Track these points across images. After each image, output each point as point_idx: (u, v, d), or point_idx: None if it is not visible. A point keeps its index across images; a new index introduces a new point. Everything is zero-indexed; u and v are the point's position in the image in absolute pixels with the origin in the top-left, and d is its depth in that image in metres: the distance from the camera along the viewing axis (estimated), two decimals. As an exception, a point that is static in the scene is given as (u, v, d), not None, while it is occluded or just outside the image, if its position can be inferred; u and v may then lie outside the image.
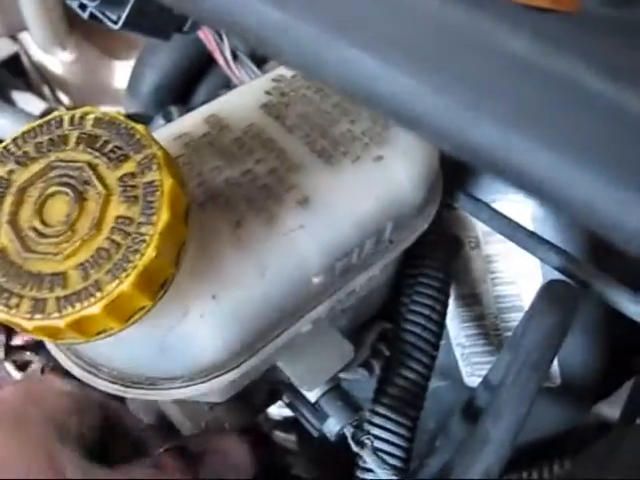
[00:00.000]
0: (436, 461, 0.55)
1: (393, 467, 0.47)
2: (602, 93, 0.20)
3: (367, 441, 0.47)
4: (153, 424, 0.51)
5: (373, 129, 0.42)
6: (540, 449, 0.63)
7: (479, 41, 0.21)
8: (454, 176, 0.49)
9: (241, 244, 0.37)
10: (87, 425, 0.43)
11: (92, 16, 0.56)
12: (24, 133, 0.34)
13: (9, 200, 0.32)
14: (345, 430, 0.46)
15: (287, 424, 0.81)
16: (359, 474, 0.48)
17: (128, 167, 0.32)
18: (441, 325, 0.51)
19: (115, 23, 0.56)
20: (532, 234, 0.46)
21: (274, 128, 0.42)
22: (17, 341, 0.58)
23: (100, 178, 0.32)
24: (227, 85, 0.70)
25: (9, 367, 0.58)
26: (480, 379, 0.51)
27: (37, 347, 0.58)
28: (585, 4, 0.26)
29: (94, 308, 0.30)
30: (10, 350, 0.58)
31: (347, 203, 0.40)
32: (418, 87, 0.19)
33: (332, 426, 0.46)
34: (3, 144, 0.34)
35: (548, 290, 0.43)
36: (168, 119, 0.67)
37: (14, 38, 0.95)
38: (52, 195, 0.32)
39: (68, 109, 0.94)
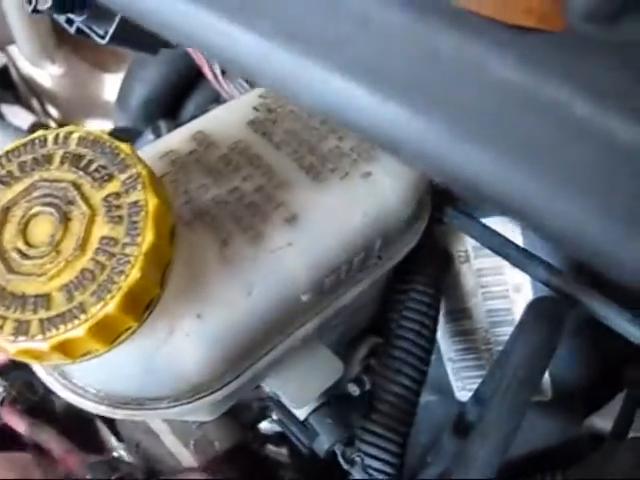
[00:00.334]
0: (427, 476, 0.54)
1: (383, 484, 0.47)
2: (590, 119, 0.20)
3: (357, 458, 0.46)
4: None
5: (361, 145, 0.42)
6: (532, 463, 0.63)
7: (463, 65, 0.20)
8: (443, 191, 0.48)
9: (228, 263, 0.37)
10: None
11: (79, 31, 0.56)
12: (8, 152, 0.34)
13: (-8, 221, 0.32)
14: (335, 447, 0.46)
15: (278, 438, 0.81)
16: (350, 491, 0.48)
17: (113, 187, 0.32)
18: (431, 340, 0.51)
19: (102, 38, 0.55)
20: (522, 250, 0.46)
21: (261, 145, 0.42)
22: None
23: (84, 198, 0.32)
24: (217, 99, 0.70)
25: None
26: (471, 393, 0.51)
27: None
28: (570, 21, 0.26)
29: (78, 330, 0.30)
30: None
31: (335, 220, 0.40)
32: (398, 111, 0.19)
33: (322, 444, 0.45)
34: (-14, 164, 0.33)
35: (535, 307, 0.42)
36: (157, 134, 0.67)
37: (3, 50, 0.95)
38: (36, 215, 0.32)
39: (57, 123, 0.94)
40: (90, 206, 0.32)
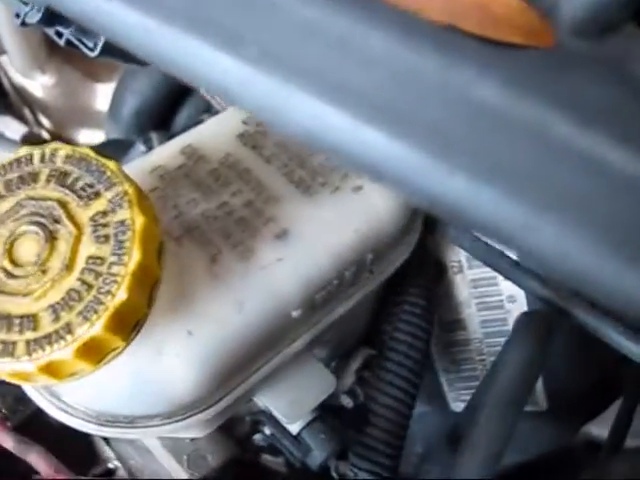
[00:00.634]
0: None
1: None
2: (577, 142, 0.19)
3: (350, 473, 0.46)
4: None
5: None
6: (528, 473, 0.62)
7: (446, 87, 0.20)
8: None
9: (217, 279, 0.36)
10: None
11: (69, 43, 0.55)
12: (-7, 170, 0.33)
13: (-22, 241, 0.31)
14: (328, 462, 0.45)
15: (275, 447, 0.80)
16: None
17: (99, 205, 0.32)
18: (424, 352, 0.51)
19: (92, 50, 0.55)
20: (514, 262, 0.46)
21: (251, 158, 0.41)
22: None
23: (71, 217, 0.31)
24: (208, 109, 0.70)
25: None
26: (465, 404, 0.51)
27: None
28: (559, 37, 0.26)
29: (66, 352, 0.29)
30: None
31: (326, 235, 0.39)
32: (377, 136, 0.19)
33: (315, 458, 0.45)
34: (-28, 183, 0.33)
35: (524, 321, 0.42)
36: (148, 145, 0.66)
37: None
38: (22, 234, 0.32)
39: (49, 133, 0.94)
40: (76, 225, 0.31)
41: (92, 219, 0.31)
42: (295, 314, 0.38)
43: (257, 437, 0.61)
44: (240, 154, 0.41)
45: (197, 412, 0.38)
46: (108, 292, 0.30)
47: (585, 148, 0.19)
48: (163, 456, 0.50)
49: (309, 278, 0.38)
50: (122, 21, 0.25)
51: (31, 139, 0.84)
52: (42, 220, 0.32)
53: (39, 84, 0.89)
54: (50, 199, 0.32)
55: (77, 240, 0.31)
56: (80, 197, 0.32)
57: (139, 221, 0.31)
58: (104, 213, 0.31)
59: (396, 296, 0.51)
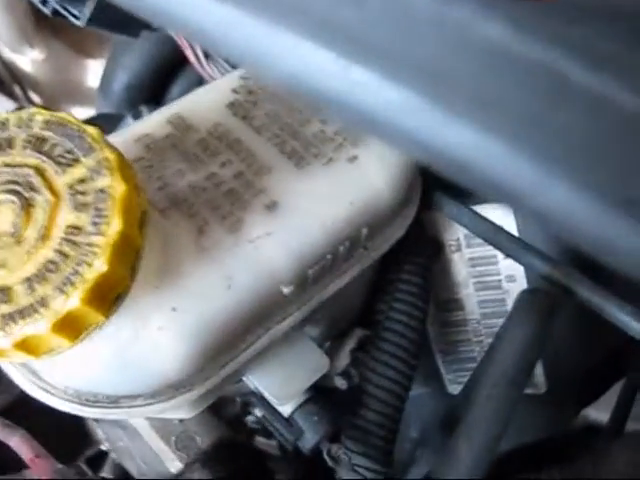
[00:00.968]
0: (416, 472, 0.53)
1: (370, 481, 0.45)
2: (586, 85, 0.17)
3: (343, 456, 0.45)
4: None
5: (347, 128, 0.40)
6: (527, 456, 0.61)
7: (450, 31, 0.18)
8: (433, 176, 0.46)
9: (204, 252, 0.35)
10: None
11: (55, 12, 0.54)
12: (-33, 137, 0.32)
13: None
14: (320, 445, 0.44)
15: (267, 430, 0.79)
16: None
17: (78, 172, 0.30)
18: (420, 332, 0.49)
19: (79, 19, 0.53)
20: (516, 239, 0.44)
21: (241, 129, 0.40)
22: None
23: (48, 184, 0.30)
24: (200, 84, 0.68)
25: None
26: (462, 386, 0.49)
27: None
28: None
29: (40, 326, 0.28)
30: None
31: (319, 208, 0.38)
32: (370, 78, 0.17)
33: (307, 441, 0.44)
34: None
35: (524, 299, 0.41)
36: (138, 119, 0.65)
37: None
38: (-3, 203, 0.30)
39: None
40: (54, 192, 0.30)
41: (70, 186, 0.30)
42: (286, 290, 0.37)
43: (249, 419, 0.60)
44: (230, 124, 0.40)
45: (183, 392, 0.36)
46: (86, 263, 0.28)
47: (596, 91, 0.18)
48: (151, 437, 0.49)
49: (301, 253, 0.37)
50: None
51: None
52: (18, 188, 0.30)
53: (29, 59, 0.87)
54: (26, 166, 0.30)
55: (54, 208, 0.29)
56: (58, 164, 0.30)
57: (120, 189, 0.29)
58: (83, 180, 0.30)
59: (391, 274, 0.49)
